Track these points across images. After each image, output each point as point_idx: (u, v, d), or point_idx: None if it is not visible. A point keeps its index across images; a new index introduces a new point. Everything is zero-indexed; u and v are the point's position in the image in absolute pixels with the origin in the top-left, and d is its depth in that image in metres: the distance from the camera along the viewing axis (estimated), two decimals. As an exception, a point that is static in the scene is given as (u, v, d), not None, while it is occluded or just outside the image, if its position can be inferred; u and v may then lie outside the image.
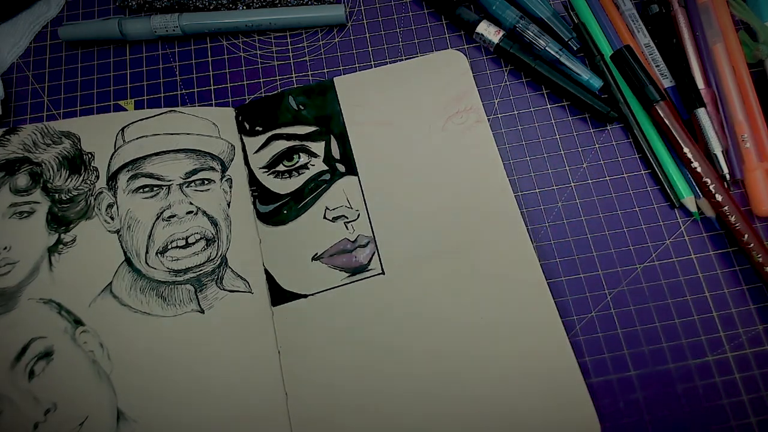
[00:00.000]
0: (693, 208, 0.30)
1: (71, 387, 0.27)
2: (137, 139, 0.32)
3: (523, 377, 0.27)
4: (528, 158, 0.33)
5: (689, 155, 0.30)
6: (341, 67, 0.36)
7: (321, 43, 0.36)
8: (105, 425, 0.27)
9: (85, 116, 0.34)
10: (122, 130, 0.32)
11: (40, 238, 0.29)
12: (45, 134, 0.31)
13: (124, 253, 0.30)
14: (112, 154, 0.31)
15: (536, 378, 0.27)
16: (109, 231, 0.30)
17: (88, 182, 0.31)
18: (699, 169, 0.30)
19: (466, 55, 0.34)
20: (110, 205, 0.30)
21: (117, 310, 0.28)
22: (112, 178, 0.31)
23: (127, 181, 0.31)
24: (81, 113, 0.35)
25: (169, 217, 0.30)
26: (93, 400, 0.27)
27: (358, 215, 0.31)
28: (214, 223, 0.30)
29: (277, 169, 0.32)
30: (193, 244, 0.30)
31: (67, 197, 0.30)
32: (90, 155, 0.31)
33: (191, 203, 0.31)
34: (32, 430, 0.26)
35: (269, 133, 0.33)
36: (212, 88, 0.36)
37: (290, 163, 0.32)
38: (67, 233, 0.30)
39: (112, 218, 0.30)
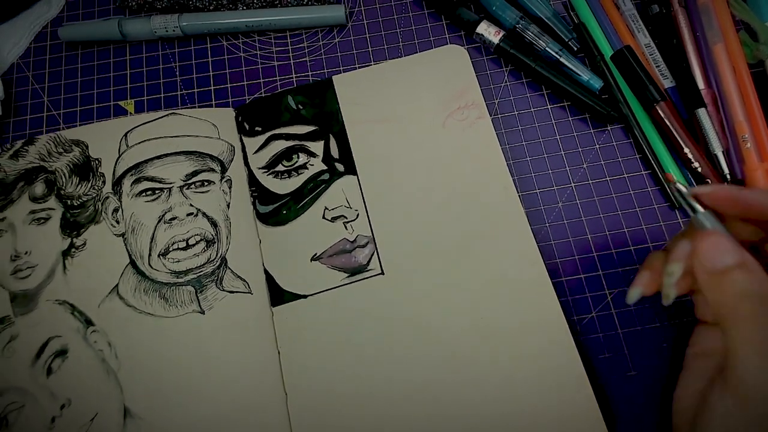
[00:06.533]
0: (693, 209, 0.30)
1: (83, 384, 0.28)
2: (140, 143, 0.32)
3: (526, 378, 0.27)
4: (528, 158, 0.33)
5: (690, 155, 0.30)
6: (341, 68, 0.36)
7: (321, 43, 0.36)
8: (113, 422, 0.27)
9: (93, 123, 0.35)
10: (126, 134, 0.33)
11: (55, 243, 0.31)
12: (57, 143, 0.33)
13: (129, 255, 0.30)
14: (117, 159, 0.32)
15: (539, 378, 0.27)
16: (116, 234, 0.31)
17: (96, 188, 0.32)
18: (700, 170, 0.30)
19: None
20: (116, 210, 0.31)
21: (123, 310, 0.29)
22: (117, 183, 0.32)
23: (131, 185, 0.32)
24: (81, 113, 0.35)
25: (171, 219, 0.31)
26: (102, 397, 0.28)
27: (357, 215, 0.31)
28: (214, 224, 0.31)
29: (277, 169, 0.32)
30: (194, 245, 0.30)
31: (78, 203, 0.31)
32: (97, 161, 0.32)
33: (191, 205, 0.31)
34: (50, 424, 0.27)
35: (268, 134, 0.33)
36: (212, 88, 0.36)
37: (289, 163, 0.32)
38: (78, 237, 0.31)
39: (118, 222, 0.31)
